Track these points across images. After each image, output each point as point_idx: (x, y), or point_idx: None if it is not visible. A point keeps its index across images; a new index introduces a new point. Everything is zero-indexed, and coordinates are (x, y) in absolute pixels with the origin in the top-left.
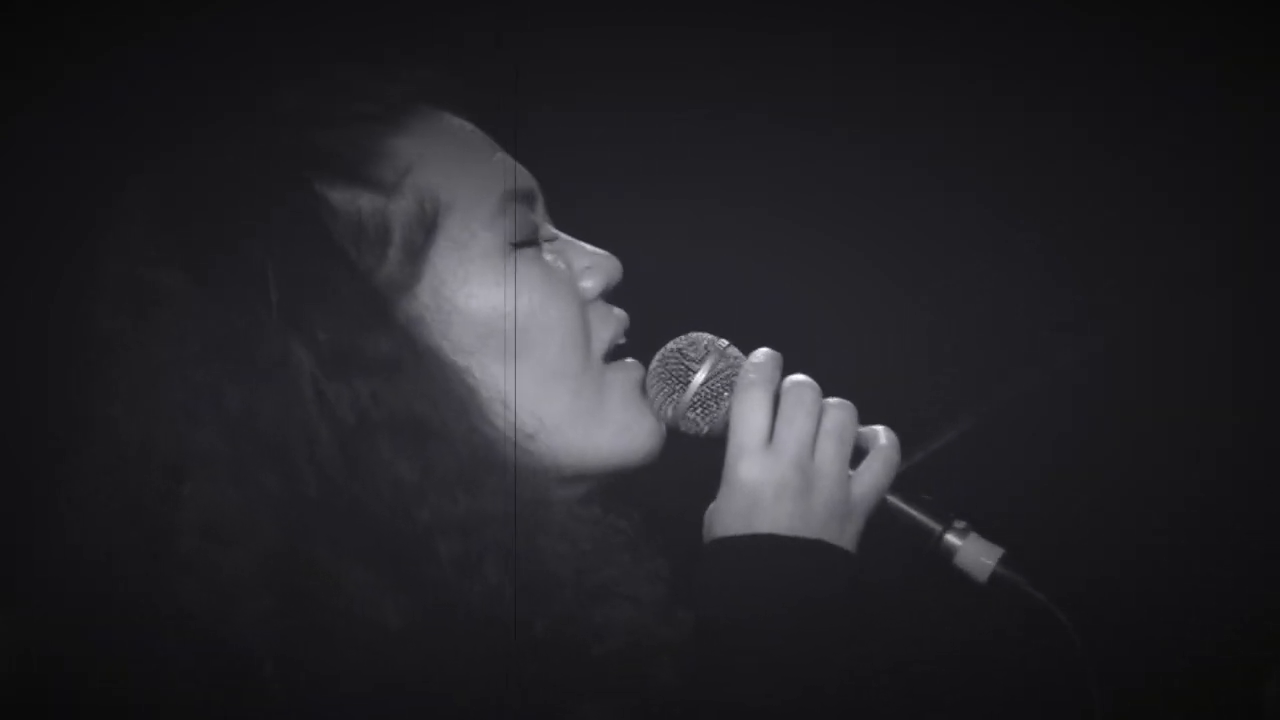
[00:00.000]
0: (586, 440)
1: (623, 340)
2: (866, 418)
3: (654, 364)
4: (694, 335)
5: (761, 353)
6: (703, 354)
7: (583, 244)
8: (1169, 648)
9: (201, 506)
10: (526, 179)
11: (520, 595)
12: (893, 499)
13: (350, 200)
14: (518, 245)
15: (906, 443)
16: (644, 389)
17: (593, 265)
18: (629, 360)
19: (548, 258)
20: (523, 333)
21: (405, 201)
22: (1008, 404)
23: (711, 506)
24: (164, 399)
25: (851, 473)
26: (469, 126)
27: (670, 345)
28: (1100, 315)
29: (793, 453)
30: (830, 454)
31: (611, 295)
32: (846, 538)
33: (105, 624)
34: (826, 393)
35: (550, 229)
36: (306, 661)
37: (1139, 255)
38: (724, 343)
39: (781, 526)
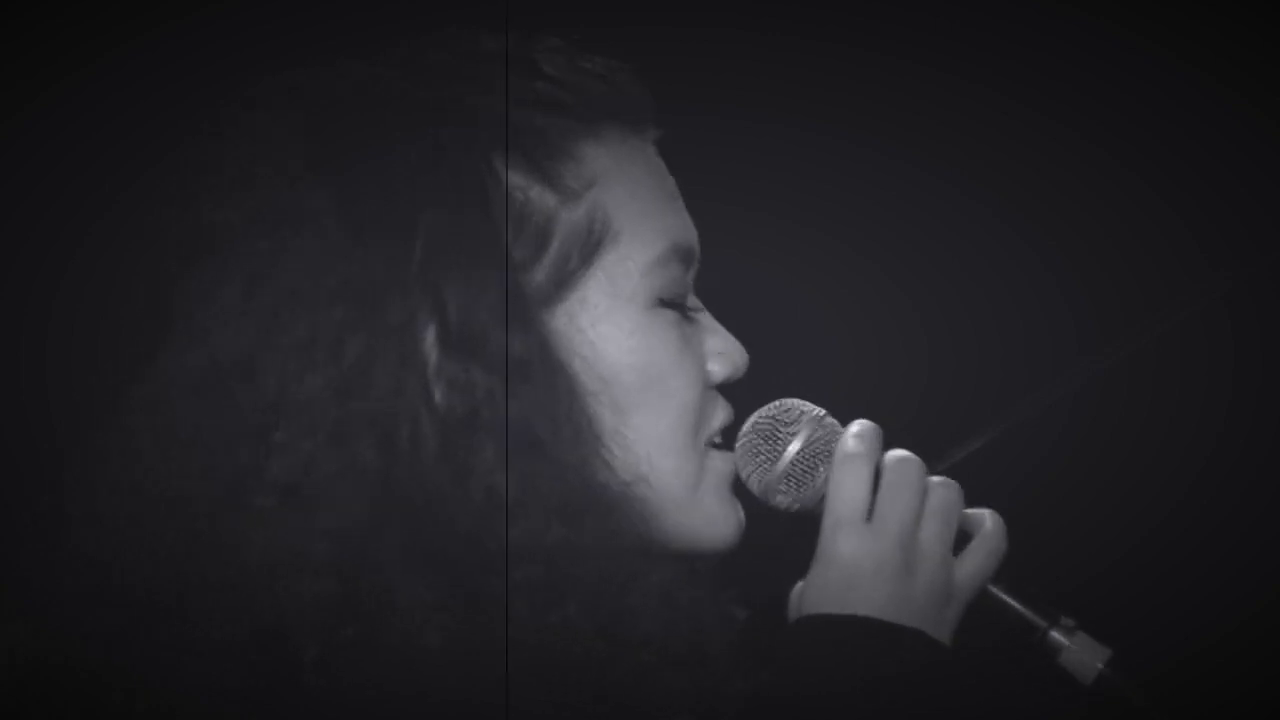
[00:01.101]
0: (675, 521)
1: (719, 439)
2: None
3: (745, 432)
4: (788, 402)
5: (862, 424)
6: (798, 423)
7: (722, 328)
8: (1171, 651)
9: (289, 461)
10: (695, 241)
11: (597, 647)
12: (996, 589)
13: (523, 188)
14: (663, 304)
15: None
16: (734, 482)
17: (725, 352)
18: (725, 451)
19: (685, 328)
20: (640, 392)
21: (577, 214)
22: (1013, 413)
23: (803, 582)
24: (282, 331)
25: (954, 557)
26: (661, 163)
27: (763, 412)
28: (1105, 325)
29: (896, 531)
30: (934, 535)
31: (729, 389)
32: (944, 626)
33: (157, 570)
34: (826, 400)
35: (694, 298)
36: (347, 656)
37: (1145, 264)
38: (820, 411)
39: (879, 608)
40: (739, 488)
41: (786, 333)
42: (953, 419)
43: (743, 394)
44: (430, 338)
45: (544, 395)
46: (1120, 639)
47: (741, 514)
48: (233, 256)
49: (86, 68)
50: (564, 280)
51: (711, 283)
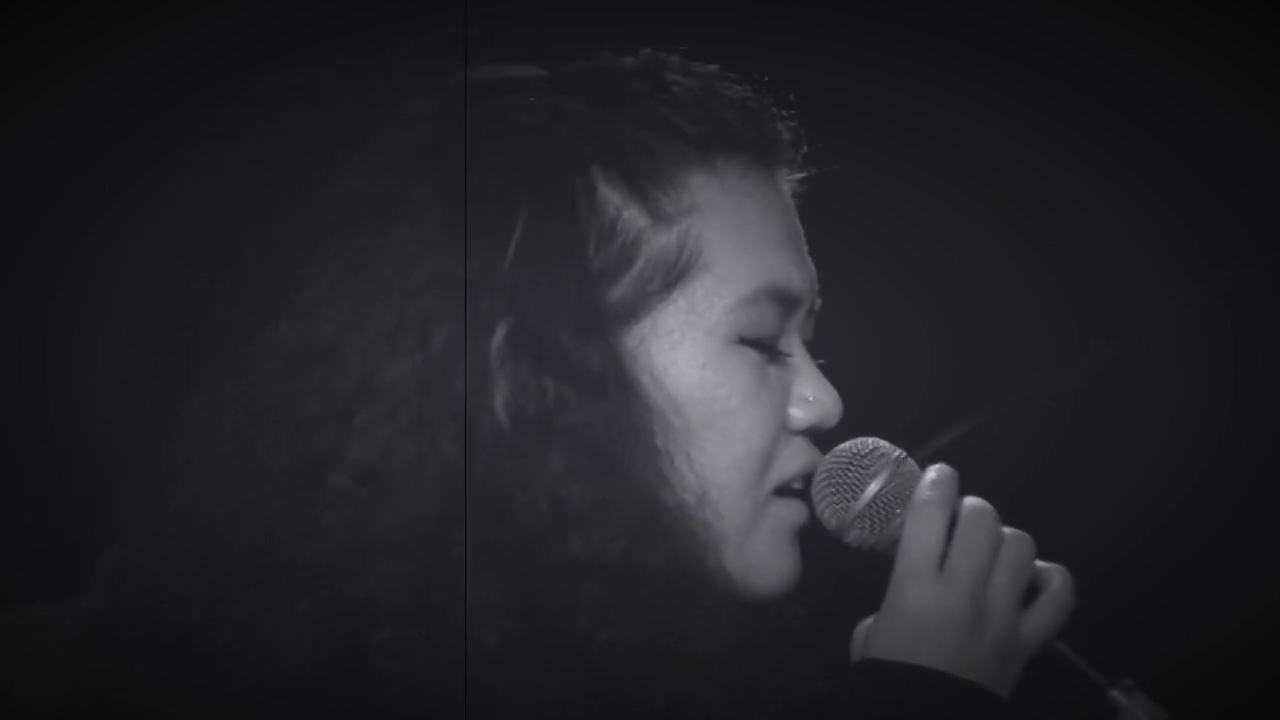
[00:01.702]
0: (727, 559)
1: (800, 484)
2: (864, 422)
3: (822, 468)
4: (867, 441)
5: (940, 469)
6: (879, 463)
7: (819, 375)
8: (1172, 643)
9: (369, 444)
10: (800, 285)
11: (648, 663)
12: (1061, 645)
13: (616, 204)
14: (746, 342)
15: (909, 443)
16: (799, 533)
17: (814, 399)
18: (796, 501)
19: (770, 369)
20: (703, 426)
21: (667, 239)
22: (1009, 408)
23: (868, 623)
24: (372, 317)
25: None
26: (787, 203)
27: (842, 449)
28: (1105, 322)
29: (967, 583)
30: (1005, 588)
31: (818, 435)
32: (1006, 680)
33: (240, 536)
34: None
35: (795, 343)
36: (413, 643)
37: (1145, 264)
38: (900, 453)
39: (944, 661)
40: (812, 527)
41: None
42: (952, 418)
43: None
44: (501, 337)
45: (617, 411)
46: (1118, 640)
47: (798, 565)
48: (335, 244)
49: (86, 68)
50: (641, 301)
51: None
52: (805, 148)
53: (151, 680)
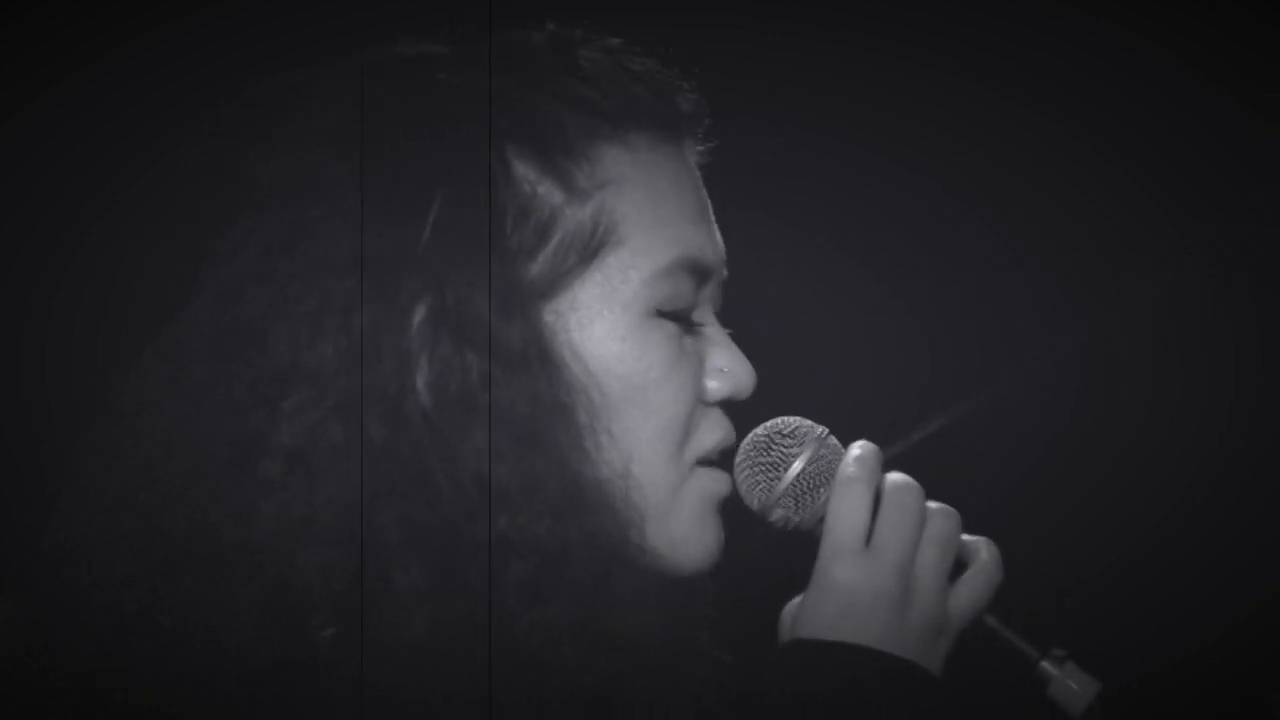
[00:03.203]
0: (650, 532)
1: (716, 457)
2: (855, 416)
3: (745, 448)
4: (791, 420)
5: (863, 446)
6: (801, 441)
7: (732, 346)
8: (1163, 651)
9: (296, 429)
10: (712, 256)
11: (576, 644)
12: (990, 619)
13: (531, 180)
14: (662, 314)
15: (889, 436)
16: (722, 505)
17: (728, 370)
18: (718, 471)
19: (686, 340)
20: (623, 398)
21: (582, 214)
22: (995, 401)
23: (796, 603)
24: (294, 301)
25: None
26: (695, 176)
27: (764, 428)
28: (1091, 314)
29: (894, 559)
30: (932, 564)
31: (732, 406)
32: (936, 656)
33: (175, 524)
34: (816, 391)
35: (708, 313)
36: (349, 629)
37: (1130, 254)
38: (823, 430)
39: (873, 637)
40: (732, 504)
41: (772, 328)
42: (936, 404)
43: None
44: (421, 316)
45: (540, 388)
46: (1117, 640)
47: (720, 536)
48: (256, 223)
49: (86, 68)
50: (559, 278)
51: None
52: (708, 119)
53: (91, 666)
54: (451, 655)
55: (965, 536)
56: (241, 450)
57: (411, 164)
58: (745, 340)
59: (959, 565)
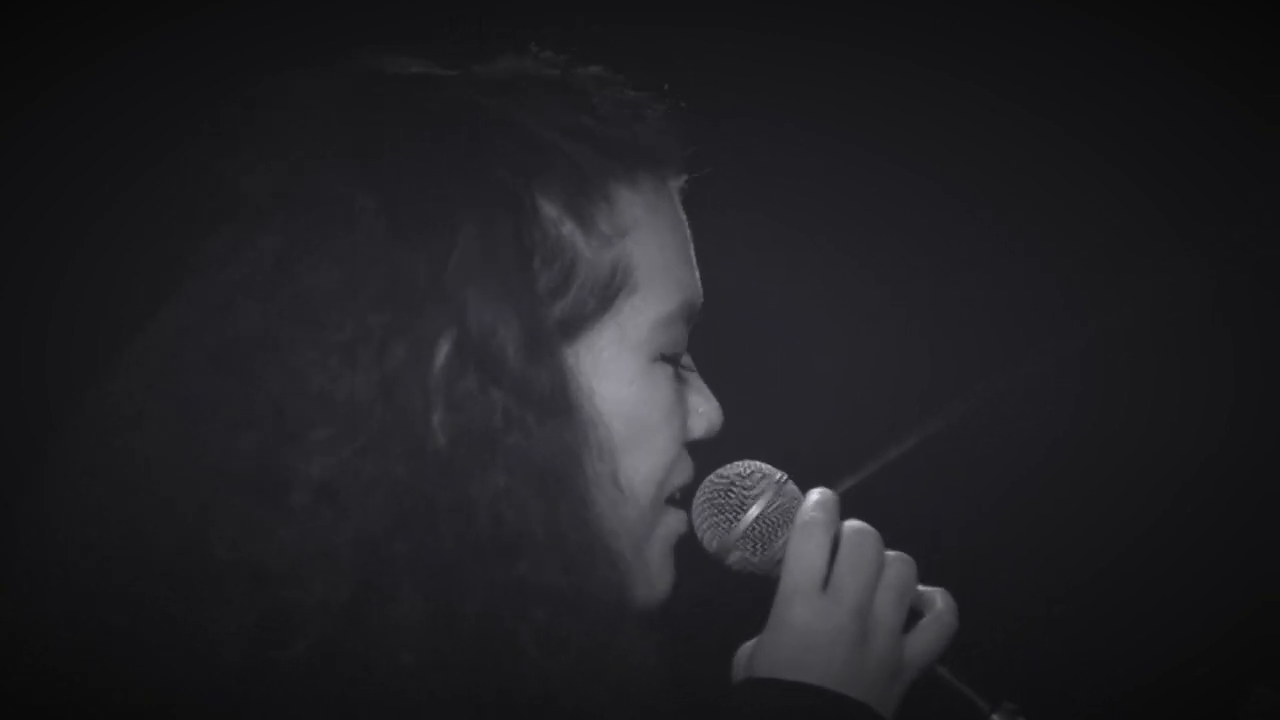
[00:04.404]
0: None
1: (678, 495)
2: (855, 416)
3: (704, 490)
4: (749, 464)
5: (822, 492)
6: (759, 486)
7: (705, 386)
8: (1151, 652)
9: (327, 462)
10: (700, 297)
11: (587, 690)
12: (943, 669)
13: (555, 218)
14: (664, 359)
15: (882, 443)
16: (679, 540)
17: (705, 412)
18: (679, 510)
19: (677, 384)
20: (627, 441)
21: (601, 260)
22: (991, 405)
23: (753, 643)
24: (330, 329)
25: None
26: (683, 214)
27: (722, 472)
28: (1088, 316)
29: (853, 602)
30: (889, 608)
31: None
32: (890, 701)
33: (154, 545)
34: (813, 392)
35: (686, 357)
36: (339, 660)
37: (1130, 255)
38: (781, 475)
39: (831, 678)
40: (686, 544)
41: (768, 328)
42: (930, 409)
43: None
44: (445, 351)
45: (564, 432)
46: (1114, 641)
47: (673, 575)
48: (257, 233)
49: (86, 68)
50: (578, 321)
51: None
52: (687, 152)
53: (70, 678)
54: (453, 696)
55: (921, 586)
56: (254, 474)
57: (434, 192)
58: (745, 340)
59: (914, 614)
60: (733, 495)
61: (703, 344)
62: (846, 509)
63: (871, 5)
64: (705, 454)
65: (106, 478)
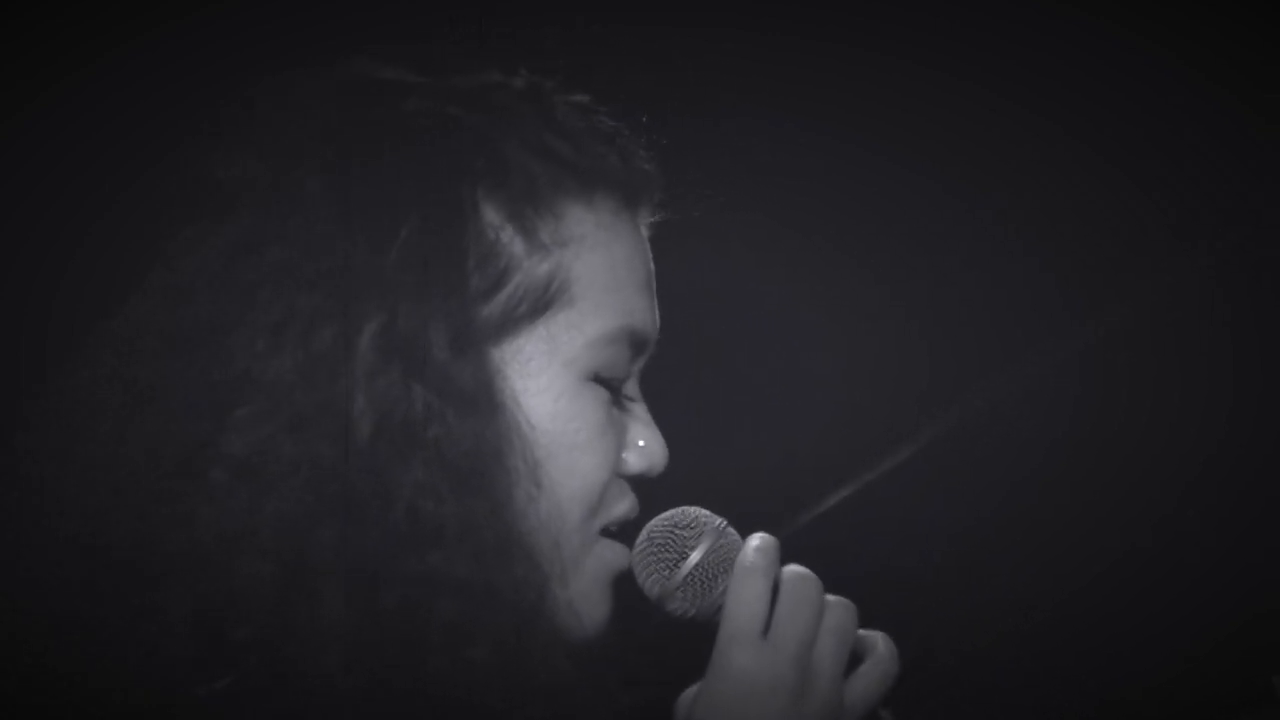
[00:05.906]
0: (555, 594)
1: (615, 529)
2: (854, 416)
3: (644, 537)
4: (689, 510)
5: (761, 538)
6: (699, 532)
7: (652, 422)
8: (1153, 654)
9: (248, 439)
10: (652, 330)
11: (496, 686)
12: (885, 714)
13: (495, 226)
14: (599, 380)
15: (887, 438)
16: (618, 579)
17: (646, 446)
18: (619, 544)
19: (614, 411)
20: (548, 456)
21: (538, 269)
22: (990, 408)
23: (693, 691)
24: (259, 310)
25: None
26: (647, 249)
27: (663, 518)
28: (1087, 317)
29: (793, 649)
30: (830, 654)
31: (638, 483)
32: None
33: (112, 526)
34: (812, 391)
35: (634, 386)
36: (280, 648)
37: (1130, 255)
38: (721, 521)
39: None
40: (629, 591)
41: (764, 329)
42: (931, 411)
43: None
44: (371, 338)
45: (486, 429)
46: (1114, 641)
47: (613, 609)
48: (224, 221)
49: (86, 68)
50: (508, 324)
51: (695, 276)
52: (662, 191)
53: (23, 669)
54: (371, 690)
55: (861, 631)
56: (188, 456)
57: (386, 188)
58: (743, 340)
59: (855, 659)
60: (673, 542)
61: (703, 344)
62: (790, 552)
63: (871, 5)
64: (678, 481)
65: (61, 465)
